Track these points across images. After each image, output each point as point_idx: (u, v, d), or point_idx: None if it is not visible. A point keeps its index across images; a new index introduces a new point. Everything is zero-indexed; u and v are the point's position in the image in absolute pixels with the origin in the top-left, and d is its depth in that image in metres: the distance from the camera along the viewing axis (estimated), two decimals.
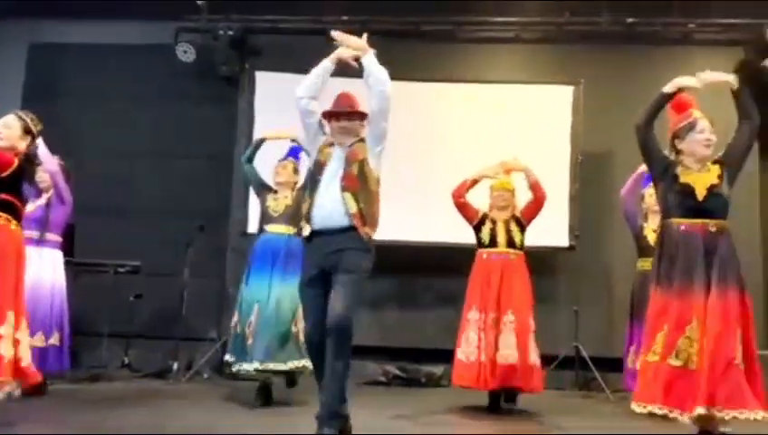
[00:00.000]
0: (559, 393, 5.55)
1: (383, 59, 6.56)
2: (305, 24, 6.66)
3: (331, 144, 3.42)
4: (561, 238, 6.11)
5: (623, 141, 6.34)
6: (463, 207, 4.73)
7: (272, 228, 4.50)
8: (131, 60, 6.88)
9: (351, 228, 3.20)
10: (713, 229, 3.14)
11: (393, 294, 6.33)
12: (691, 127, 3.31)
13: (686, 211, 3.19)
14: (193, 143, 6.53)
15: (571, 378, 5.82)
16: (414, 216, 5.83)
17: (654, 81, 6.45)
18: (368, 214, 3.24)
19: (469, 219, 4.72)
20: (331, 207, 3.24)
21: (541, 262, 5.75)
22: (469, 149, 6.16)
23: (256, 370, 4.29)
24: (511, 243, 4.62)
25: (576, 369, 5.73)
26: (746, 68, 6.26)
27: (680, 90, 3.34)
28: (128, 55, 6.90)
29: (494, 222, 4.68)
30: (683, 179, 3.24)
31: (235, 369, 4.39)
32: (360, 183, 3.26)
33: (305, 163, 3.98)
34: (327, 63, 3.49)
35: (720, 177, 3.22)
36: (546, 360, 5.50)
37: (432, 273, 6.17)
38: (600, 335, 6.08)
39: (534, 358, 4.50)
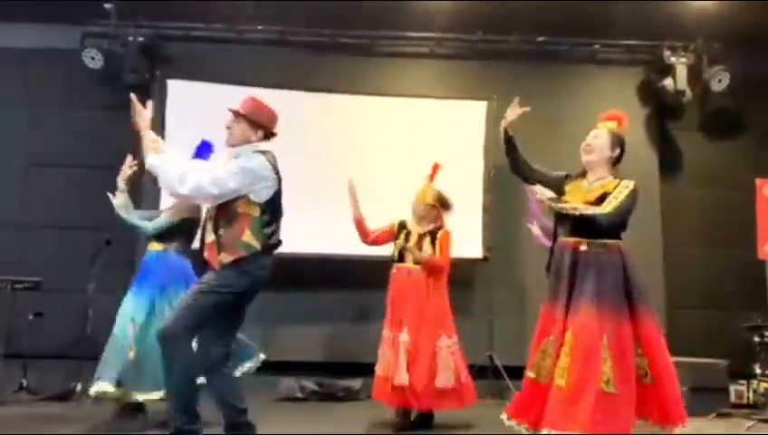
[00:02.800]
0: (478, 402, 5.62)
1: (298, 70, 6.58)
2: (219, 32, 6.54)
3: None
4: (474, 250, 6.23)
5: (535, 156, 6.56)
6: (377, 242, 4.66)
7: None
8: (33, 64, 6.54)
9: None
10: (583, 247, 3.19)
11: (310, 309, 6.25)
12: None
13: (562, 228, 3.32)
14: (98, 152, 6.22)
15: (485, 387, 5.90)
16: (329, 228, 5.76)
17: (563, 97, 6.84)
18: (226, 240, 3.18)
19: (391, 240, 4.61)
20: None
21: (455, 273, 5.83)
22: (385, 162, 6.20)
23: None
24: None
25: (490, 378, 5.83)
26: (648, 87, 6.65)
27: (507, 133, 3.59)
28: (30, 60, 6.55)
29: (407, 235, 4.55)
30: (566, 196, 3.34)
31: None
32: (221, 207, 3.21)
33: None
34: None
35: (605, 194, 3.23)
36: None
37: (349, 286, 6.12)
38: (513, 344, 6.21)
39: (442, 378, 4.32)
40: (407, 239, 4.54)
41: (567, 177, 3.43)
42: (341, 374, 5.91)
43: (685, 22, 6.34)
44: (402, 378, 4.23)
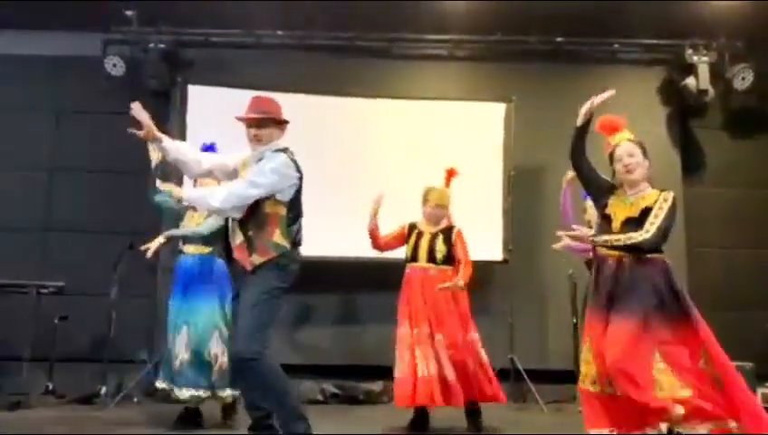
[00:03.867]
0: (496, 405, 5.59)
1: (317, 74, 6.60)
2: (238, 37, 6.58)
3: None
4: (494, 252, 6.20)
5: (554, 156, 6.52)
6: (389, 247, 4.73)
7: (187, 248, 4.48)
8: (57, 72, 6.65)
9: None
10: (625, 259, 3.19)
11: (329, 311, 6.29)
12: (611, 157, 3.41)
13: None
14: (121, 158, 6.30)
15: (506, 390, 5.87)
16: (348, 231, 5.77)
17: (583, 98, 6.66)
18: (257, 241, 3.25)
19: (402, 244, 4.68)
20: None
21: (475, 275, 5.81)
22: (403, 165, 6.20)
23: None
24: (432, 257, 4.53)
25: (511, 381, 5.80)
26: (670, 86, 6.58)
27: (589, 117, 3.41)
28: (54, 67, 6.67)
29: (419, 235, 4.60)
30: (608, 209, 3.33)
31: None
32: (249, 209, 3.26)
33: None
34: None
35: (647, 209, 3.23)
36: None
37: (368, 288, 6.13)
38: (534, 347, 6.19)
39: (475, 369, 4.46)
40: (418, 239, 4.59)
41: (613, 187, 3.40)
42: (362, 377, 5.92)
43: (706, 20, 6.26)
44: (449, 374, 4.30)
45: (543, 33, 6.57)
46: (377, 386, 5.77)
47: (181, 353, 4.27)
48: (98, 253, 5.93)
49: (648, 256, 3.20)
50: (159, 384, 4.40)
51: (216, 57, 6.58)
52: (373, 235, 4.66)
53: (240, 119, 3.40)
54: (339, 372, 6.07)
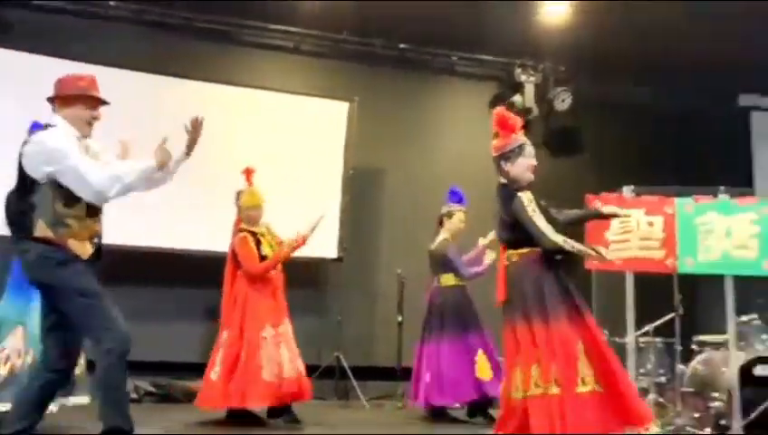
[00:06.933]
0: (319, 403, 5.60)
1: (150, 50, 6.13)
2: (63, 2, 5.98)
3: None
4: (329, 250, 6.21)
5: (393, 159, 6.73)
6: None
7: None
8: None
9: None
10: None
11: (146, 305, 5.83)
12: (521, 150, 3.34)
13: None
14: None
15: (331, 387, 5.91)
16: (163, 221, 5.50)
17: (421, 104, 7.03)
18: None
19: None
20: None
21: (308, 273, 5.79)
22: (243, 155, 5.97)
23: None
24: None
25: (336, 378, 5.83)
26: (500, 102, 6.98)
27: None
28: None
29: (259, 241, 4.49)
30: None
31: None
32: None
33: None
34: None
35: None
36: (310, 370, 5.55)
37: (189, 283, 5.81)
38: (361, 345, 6.29)
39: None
40: (258, 244, 4.45)
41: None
42: (182, 374, 5.62)
43: (535, 43, 6.74)
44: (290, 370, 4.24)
45: (388, 38, 6.70)
46: (197, 384, 5.50)
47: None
48: None
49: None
50: None
51: (33, 21, 5.92)
52: None
53: (102, 102, 3.02)
54: (155, 368, 5.69)
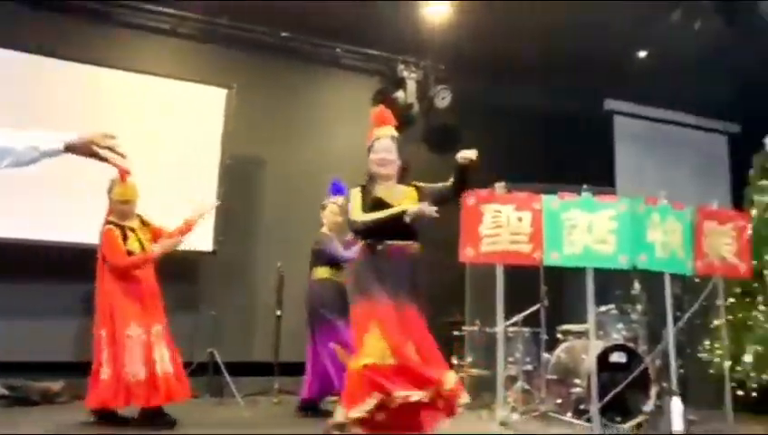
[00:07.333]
0: (192, 401, 5.40)
1: (25, 30, 5.63)
2: None
3: None
4: (204, 243, 5.99)
5: (273, 150, 6.59)
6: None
7: None
8: None
9: None
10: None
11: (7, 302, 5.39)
12: (369, 148, 3.51)
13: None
14: None
15: (204, 384, 5.72)
16: (23, 211, 5.11)
17: (305, 96, 6.94)
18: None
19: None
20: None
21: (181, 267, 5.57)
22: (116, 141, 5.66)
23: None
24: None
25: (210, 375, 5.65)
26: (383, 96, 7.02)
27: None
28: None
29: (126, 236, 4.30)
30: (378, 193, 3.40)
31: None
32: None
33: None
34: None
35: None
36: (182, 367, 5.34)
37: (53, 277, 5.38)
38: (237, 340, 6.13)
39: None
40: (125, 238, 4.28)
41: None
42: (39, 375, 5.22)
43: (418, 40, 6.83)
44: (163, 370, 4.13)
45: (271, 27, 6.55)
46: (56, 385, 5.15)
47: None
48: None
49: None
50: None
51: None
52: None
53: None
54: (8, 369, 5.25)
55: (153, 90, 6.04)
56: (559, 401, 5.23)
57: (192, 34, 6.50)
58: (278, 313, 5.71)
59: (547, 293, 5.29)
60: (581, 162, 7.44)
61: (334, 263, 4.87)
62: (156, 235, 4.43)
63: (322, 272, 4.88)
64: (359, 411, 3.12)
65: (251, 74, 6.50)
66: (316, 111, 6.93)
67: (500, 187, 5.23)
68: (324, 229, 5.00)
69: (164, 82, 6.12)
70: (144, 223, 4.44)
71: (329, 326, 4.73)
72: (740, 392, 5.60)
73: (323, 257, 4.87)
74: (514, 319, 5.33)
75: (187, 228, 4.45)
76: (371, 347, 3.18)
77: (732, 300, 6.08)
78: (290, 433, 4.36)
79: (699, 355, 6.19)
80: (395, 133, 3.59)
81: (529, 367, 5.48)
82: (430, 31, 6.68)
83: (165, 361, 4.17)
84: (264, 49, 6.63)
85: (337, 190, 5.09)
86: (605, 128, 8.39)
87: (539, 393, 5.21)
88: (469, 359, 5.70)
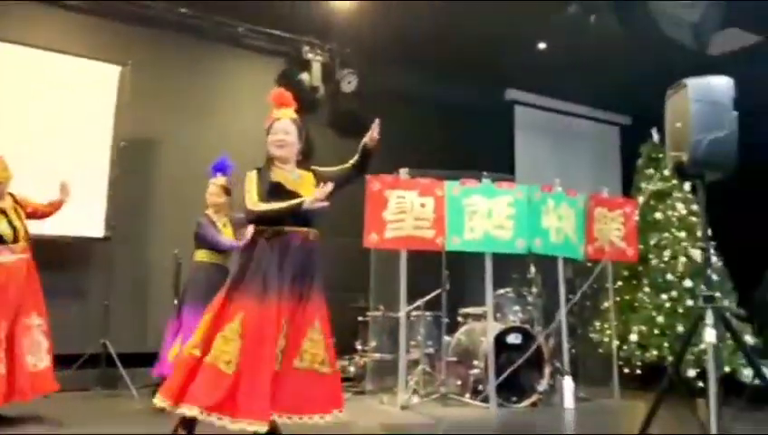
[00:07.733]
0: (82, 395, 5.14)
1: None
2: None
3: None
4: (95, 229, 5.68)
5: (170, 131, 6.31)
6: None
7: None
8: None
9: None
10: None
11: None
12: (268, 130, 3.37)
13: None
14: None
15: (96, 376, 5.45)
16: None
17: (205, 76, 6.69)
18: None
19: None
20: None
21: (70, 254, 5.27)
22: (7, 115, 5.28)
23: None
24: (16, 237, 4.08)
25: (102, 367, 5.39)
26: (287, 78, 6.88)
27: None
28: None
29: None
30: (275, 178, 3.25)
31: None
32: None
33: None
34: None
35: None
36: (71, 359, 5.06)
37: None
38: (131, 330, 5.86)
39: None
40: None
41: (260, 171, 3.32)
42: None
43: (323, 22, 6.73)
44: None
45: (169, 0, 6.25)
46: None
47: None
48: None
49: None
50: None
51: None
52: None
53: None
54: None
55: (43, 65, 5.63)
56: (459, 382, 5.36)
57: (83, 7, 6.09)
58: (176, 301, 5.49)
59: (448, 277, 5.38)
60: (483, 150, 7.62)
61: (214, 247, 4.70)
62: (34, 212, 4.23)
63: (201, 255, 4.68)
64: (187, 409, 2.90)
65: (148, 52, 6.19)
66: (217, 91, 6.71)
67: (404, 172, 5.27)
68: (209, 211, 4.83)
69: (55, 57, 5.70)
70: (18, 202, 4.17)
71: (194, 310, 4.34)
72: (626, 370, 5.95)
73: (203, 241, 4.68)
74: (417, 303, 5.39)
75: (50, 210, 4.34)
76: (218, 350, 2.97)
77: (620, 283, 6.43)
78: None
79: (590, 335, 6.52)
80: (294, 115, 3.49)
81: (431, 350, 5.58)
82: (336, 14, 6.60)
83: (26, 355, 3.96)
84: (163, 25, 6.31)
85: (217, 169, 4.91)
86: (506, 117, 8.62)
87: (440, 376, 5.31)
88: (373, 344, 5.72)
